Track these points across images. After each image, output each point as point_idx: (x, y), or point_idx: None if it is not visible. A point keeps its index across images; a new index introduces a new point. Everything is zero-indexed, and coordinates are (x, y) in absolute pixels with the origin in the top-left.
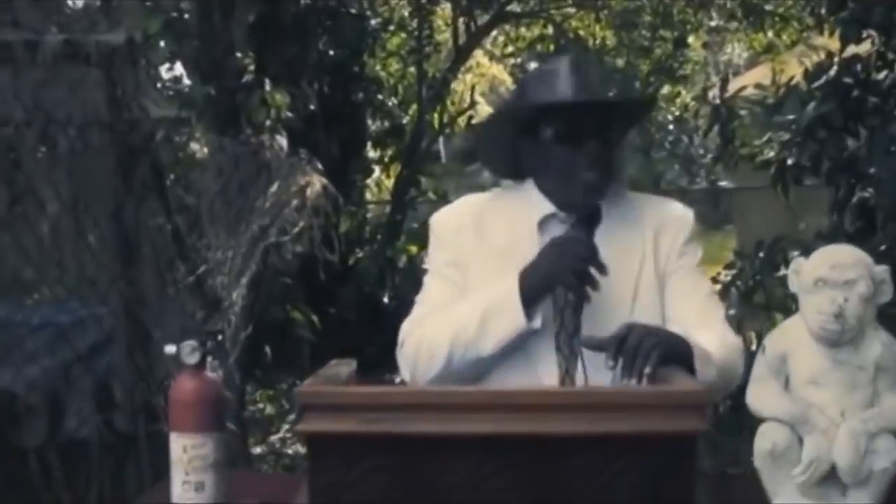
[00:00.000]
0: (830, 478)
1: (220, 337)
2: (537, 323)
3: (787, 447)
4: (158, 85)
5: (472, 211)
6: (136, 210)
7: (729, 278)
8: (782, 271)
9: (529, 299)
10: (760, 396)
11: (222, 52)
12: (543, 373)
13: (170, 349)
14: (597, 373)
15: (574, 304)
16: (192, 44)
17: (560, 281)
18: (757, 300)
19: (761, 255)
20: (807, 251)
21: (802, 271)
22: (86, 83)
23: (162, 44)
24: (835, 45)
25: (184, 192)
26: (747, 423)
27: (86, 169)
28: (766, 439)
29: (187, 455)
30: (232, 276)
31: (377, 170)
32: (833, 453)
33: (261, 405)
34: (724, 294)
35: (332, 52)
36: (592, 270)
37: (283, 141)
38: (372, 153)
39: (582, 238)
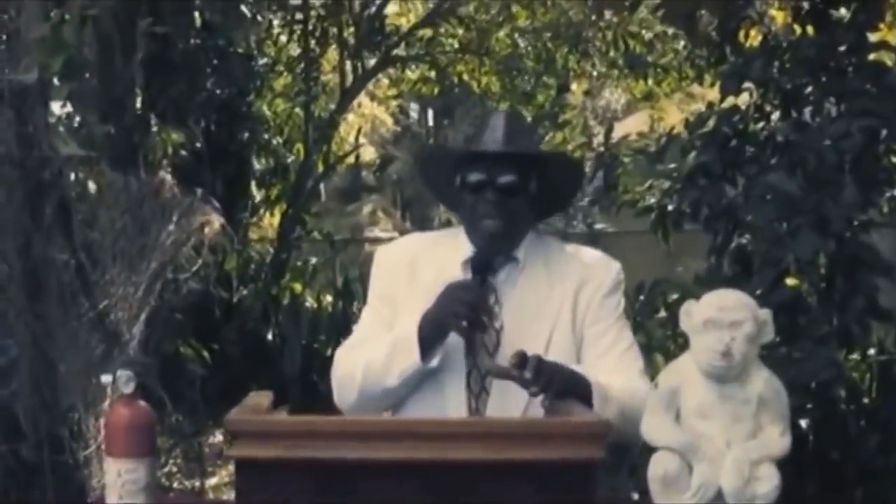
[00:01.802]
0: (717, 502)
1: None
2: (433, 362)
3: (678, 474)
4: (61, 123)
5: (410, 249)
6: (44, 245)
7: None
8: (661, 313)
9: (426, 340)
10: (653, 427)
11: (122, 91)
12: (453, 409)
13: (106, 378)
14: (505, 412)
15: (467, 348)
16: (91, 82)
17: (447, 325)
18: (638, 340)
19: (641, 297)
20: (686, 294)
21: (693, 313)
22: None
23: (57, 82)
24: (713, 94)
25: (89, 229)
26: (626, 460)
27: None
28: (658, 466)
29: (121, 479)
30: (132, 312)
31: (262, 208)
32: (720, 479)
33: None
34: None
35: (219, 91)
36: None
37: (169, 179)
38: (256, 192)
39: (471, 284)
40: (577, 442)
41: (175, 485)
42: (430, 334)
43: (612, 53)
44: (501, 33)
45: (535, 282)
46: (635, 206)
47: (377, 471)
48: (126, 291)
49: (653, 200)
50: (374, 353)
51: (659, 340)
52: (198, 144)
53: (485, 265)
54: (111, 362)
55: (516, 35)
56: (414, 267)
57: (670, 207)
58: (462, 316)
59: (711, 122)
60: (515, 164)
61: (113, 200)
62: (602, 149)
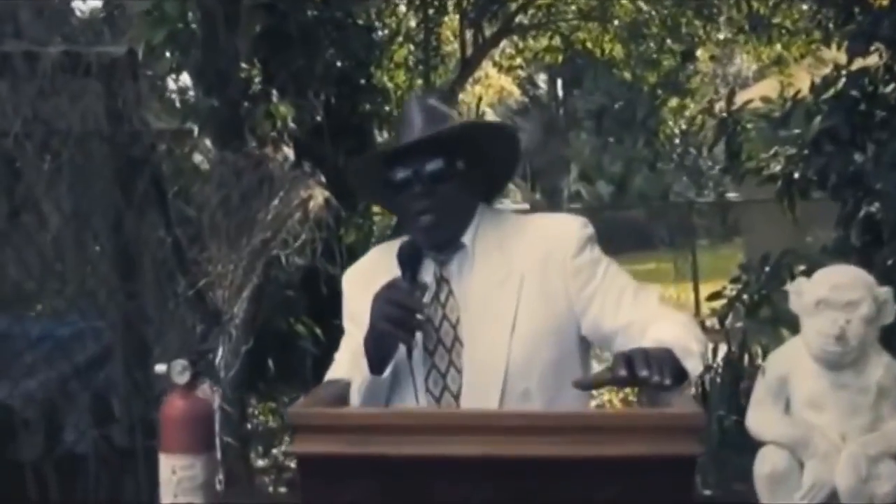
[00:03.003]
0: (832, 503)
1: (211, 356)
2: (385, 374)
3: (788, 471)
4: (163, 96)
5: (369, 264)
6: (137, 222)
7: (734, 292)
8: (788, 285)
9: (373, 351)
10: (760, 420)
11: (227, 64)
12: None
13: (160, 368)
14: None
15: (407, 350)
16: (196, 55)
17: (378, 330)
18: (763, 314)
19: (767, 268)
20: (813, 266)
21: (804, 292)
22: (86, 95)
23: (167, 55)
24: (844, 58)
25: (185, 204)
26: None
27: (86, 181)
28: (765, 463)
29: (176, 476)
30: (233, 290)
31: None
32: (834, 477)
33: (263, 418)
34: (728, 307)
35: (338, 63)
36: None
37: (288, 152)
38: None
39: (398, 283)
40: (673, 435)
41: (292, 464)
42: (374, 345)
43: (735, 16)
44: None
45: (490, 264)
46: (759, 173)
47: (451, 468)
48: (226, 269)
49: (777, 168)
50: (342, 374)
51: (786, 315)
52: (318, 118)
53: (411, 257)
54: (212, 342)
55: (639, 0)
56: (374, 279)
57: (796, 175)
58: (391, 318)
59: (838, 86)
60: (439, 149)
61: (211, 174)
62: (724, 114)
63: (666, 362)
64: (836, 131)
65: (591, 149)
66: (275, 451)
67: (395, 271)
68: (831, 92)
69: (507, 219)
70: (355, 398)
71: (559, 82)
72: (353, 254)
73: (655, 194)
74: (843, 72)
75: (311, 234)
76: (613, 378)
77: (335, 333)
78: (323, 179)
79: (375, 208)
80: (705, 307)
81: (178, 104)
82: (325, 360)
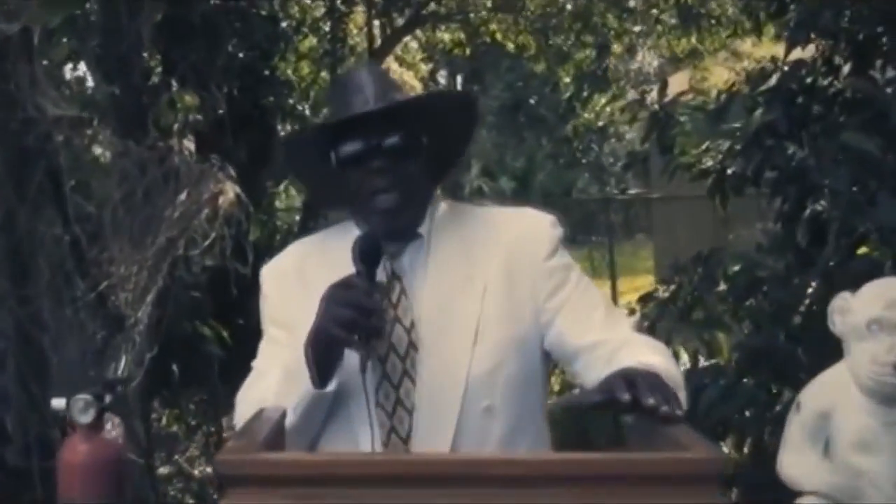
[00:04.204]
0: None
1: (121, 387)
2: (330, 386)
3: None
4: (60, 83)
5: (295, 259)
6: (31, 219)
7: (667, 294)
8: (721, 286)
9: (317, 361)
10: (796, 465)
11: (128, 50)
12: (362, 433)
13: (58, 403)
14: (433, 427)
15: (361, 360)
16: (95, 41)
17: (328, 336)
18: (696, 317)
19: (700, 269)
20: (750, 264)
21: (851, 310)
22: None
23: (64, 40)
24: (760, 52)
25: (84, 200)
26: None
27: None
28: None
29: None
30: (137, 292)
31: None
32: None
33: (166, 424)
34: (661, 310)
35: (241, 55)
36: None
37: (191, 146)
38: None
39: (354, 280)
40: (693, 484)
41: (196, 471)
42: (319, 353)
43: (657, 8)
44: None
45: (449, 260)
46: (691, 169)
47: None
48: (129, 270)
49: (710, 163)
50: (265, 390)
51: (719, 316)
52: (220, 111)
53: (372, 251)
54: (114, 350)
55: None
56: (303, 276)
57: (730, 171)
58: (346, 322)
59: (774, 78)
60: (401, 120)
61: (113, 167)
62: (656, 107)
63: (668, 391)
64: (775, 125)
65: (493, 144)
66: (177, 457)
67: (326, 269)
68: (767, 85)
69: (464, 209)
70: (290, 417)
71: (459, 78)
72: (259, 252)
73: (559, 191)
74: (779, 64)
75: (220, 232)
76: (610, 401)
77: (243, 335)
78: (232, 173)
79: (279, 203)
80: (624, 306)
81: (72, 92)
82: (233, 362)
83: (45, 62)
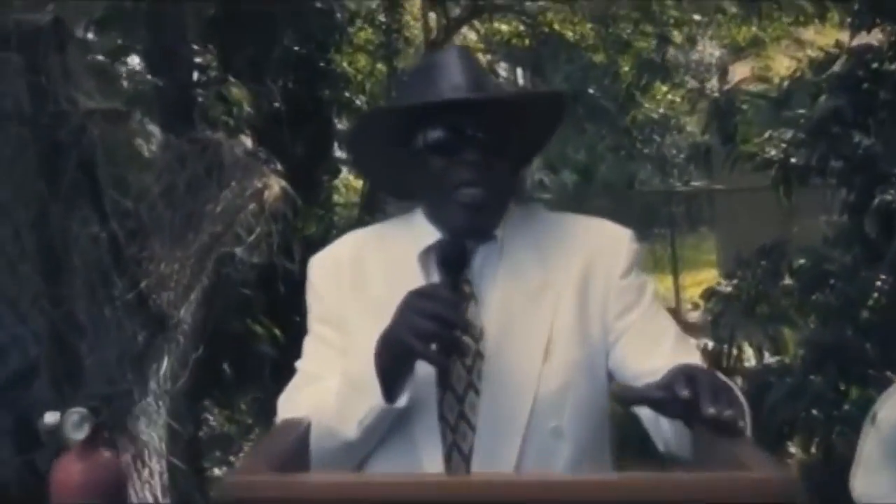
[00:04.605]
0: None
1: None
2: (402, 402)
3: None
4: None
5: (349, 252)
6: (65, 216)
7: (730, 288)
8: (786, 280)
9: (388, 372)
10: (872, 485)
11: (174, 43)
12: (426, 452)
13: (51, 419)
14: (497, 446)
15: (439, 377)
16: (141, 32)
17: (410, 350)
18: (760, 312)
19: (763, 262)
20: (815, 258)
21: None
22: (3, 69)
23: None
24: (823, 39)
25: (120, 195)
26: None
27: (4, 169)
28: None
29: None
30: (179, 291)
31: (345, 170)
32: None
33: (216, 424)
34: (724, 305)
35: (297, 48)
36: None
37: (246, 140)
38: (339, 153)
39: (438, 289)
40: None
41: None
42: (390, 364)
43: None
44: None
45: (523, 267)
46: (753, 159)
47: None
48: (170, 268)
49: (774, 153)
50: (323, 396)
51: (785, 311)
52: (275, 104)
53: (457, 257)
54: (156, 351)
55: None
56: (359, 271)
57: (794, 160)
58: (428, 335)
59: (839, 64)
60: (489, 113)
61: (152, 161)
62: (716, 95)
63: (733, 395)
64: (841, 112)
65: (554, 137)
66: (232, 458)
67: (385, 264)
68: (832, 70)
69: (539, 213)
70: (351, 430)
71: (519, 71)
72: (313, 248)
73: (621, 183)
74: (845, 49)
75: (266, 228)
76: (664, 398)
77: (296, 333)
78: (279, 167)
79: (337, 197)
80: (686, 301)
81: (124, 84)
82: (286, 361)
83: (99, 56)
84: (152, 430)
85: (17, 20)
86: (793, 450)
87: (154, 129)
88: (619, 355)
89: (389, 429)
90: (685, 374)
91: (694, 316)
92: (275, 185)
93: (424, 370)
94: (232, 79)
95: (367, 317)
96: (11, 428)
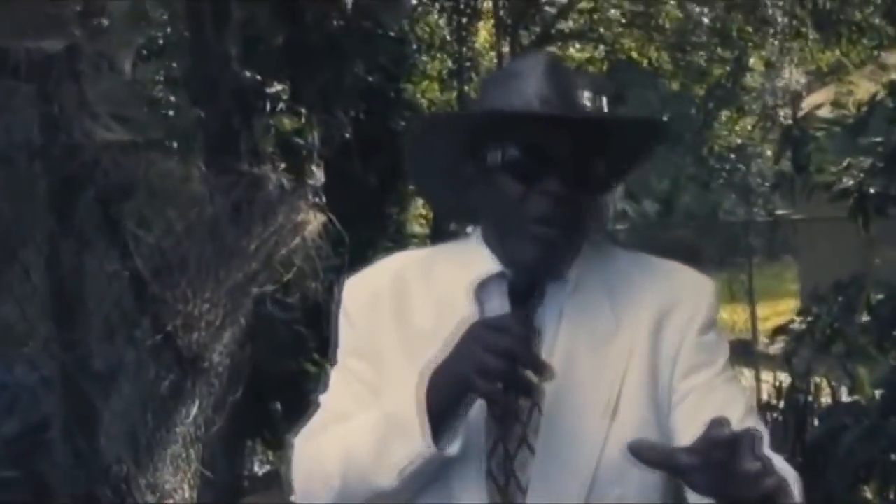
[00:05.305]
0: None
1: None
2: (453, 449)
3: None
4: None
5: (392, 277)
6: (78, 253)
7: (804, 325)
8: (864, 317)
9: (439, 413)
10: None
11: (215, 72)
12: None
13: None
14: None
15: (497, 422)
16: (181, 60)
17: (472, 389)
18: (835, 350)
19: (840, 298)
20: (894, 292)
21: None
22: (14, 99)
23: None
24: None
25: (141, 230)
26: None
27: (12, 204)
28: None
29: None
30: (211, 332)
31: (419, 202)
32: None
33: (265, 464)
34: (796, 343)
35: (370, 78)
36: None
37: (320, 174)
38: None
39: (508, 323)
40: None
41: None
42: (444, 404)
43: (796, 12)
44: (671, 2)
45: (593, 312)
46: (829, 189)
47: None
48: (198, 307)
49: (850, 182)
50: (357, 437)
51: (861, 349)
52: (346, 135)
53: (532, 286)
54: (184, 395)
55: (687, 2)
56: (402, 299)
57: (872, 190)
58: (496, 373)
59: None
60: (575, 133)
61: (174, 197)
62: (789, 122)
63: (776, 465)
64: None
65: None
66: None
67: (431, 296)
68: None
69: (613, 252)
70: (388, 478)
71: (604, 98)
72: None
73: (704, 212)
74: None
75: (305, 265)
76: (691, 465)
77: None
78: (319, 199)
79: (415, 227)
80: (763, 334)
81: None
82: None
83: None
84: (180, 478)
85: (28, 48)
86: (868, 495)
87: (194, 162)
88: (676, 421)
89: (431, 484)
90: (726, 436)
91: (771, 348)
92: (313, 220)
93: (472, 418)
94: (296, 108)
95: (408, 352)
96: (21, 483)
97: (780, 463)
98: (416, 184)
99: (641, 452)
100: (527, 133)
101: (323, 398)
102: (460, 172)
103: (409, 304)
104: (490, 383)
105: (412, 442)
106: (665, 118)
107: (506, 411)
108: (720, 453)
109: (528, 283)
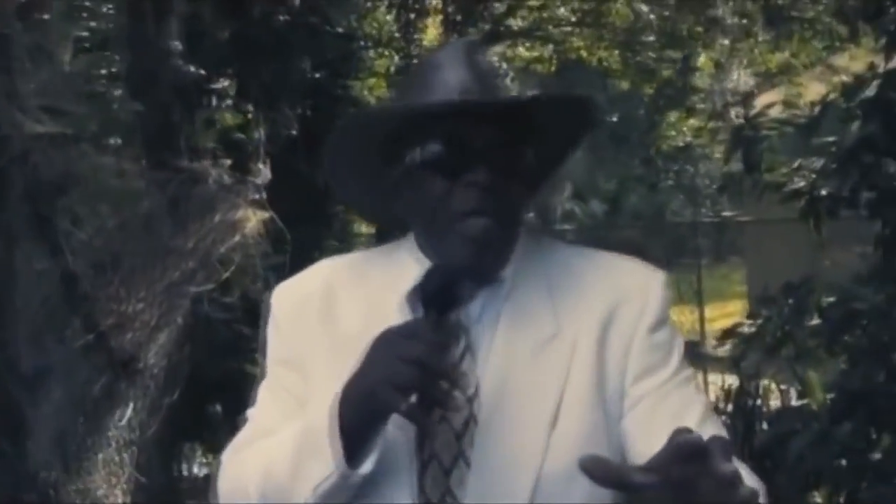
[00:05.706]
0: None
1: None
2: (365, 467)
3: None
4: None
5: (322, 282)
6: (5, 251)
7: (753, 328)
8: (814, 320)
9: (351, 428)
10: None
11: (154, 66)
12: None
13: None
14: None
15: (419, 435)
16: (121, 54)
17: (384, 402)
18: (785, 353)
19: (791, 301)
20: (845, 296)
21: None
22: None
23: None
24: (858, 65)
25: (73, 226)
26: None
27: None
28: None
29: None
30: (146, 332)
31: None
32: None
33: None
34: (745, 347)
35: (317, 75)
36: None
37: (266, 171)
38: None
39: (420, 328)
40: None
41: None
42: (356, 420)
43: (747, 10)
44: (620, 1)
45: (532, 314)
46: (780, 189)
47: None
48: (133, 307)
49: (802, 183)
50: (276, 452)
51: (811, 352)
52: (292, 131)
53: (446, 291)
54: (119, 398)
55: (636, 2)
56: (330, 304)
57: (823, 191)
58: (406, 384)
59: (872, 88)
60: (501, 122)
61: (107, 190)
62: (741, 121)
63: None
64: (873, 140)
65: (584, 166)
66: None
67: (362, 302)
68: (864, 95)
69: (555, 248)
70: (304, 495)
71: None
72: None
73: (651, 213)
74: (878, 72)
75: (244, 263)
76: (647, 484)
77: None
78: (260, 196)
79: (362, 227)
80: (711, 335)
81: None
82: None
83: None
84: (113, 483)
85: None
86: (818, 501)
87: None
88: (629, 428)
89: (356, 498)
90: (688, 450)
91: (720, 350)
92: (253, 218)
93: (402, 431)
94: (241, 104)
95: (334, 357)
96: None
97: (746, 472)
98: (341, 196)
99: (592, 470)
100: (446, 125)
101: (251, 412)
102: (383, 179)
103: (337, 310)
104: (401, 395)
105: (326, 459)
106: (613, 118)
107: (421, 426)
108: (687, 467)
109: (440, 285)
